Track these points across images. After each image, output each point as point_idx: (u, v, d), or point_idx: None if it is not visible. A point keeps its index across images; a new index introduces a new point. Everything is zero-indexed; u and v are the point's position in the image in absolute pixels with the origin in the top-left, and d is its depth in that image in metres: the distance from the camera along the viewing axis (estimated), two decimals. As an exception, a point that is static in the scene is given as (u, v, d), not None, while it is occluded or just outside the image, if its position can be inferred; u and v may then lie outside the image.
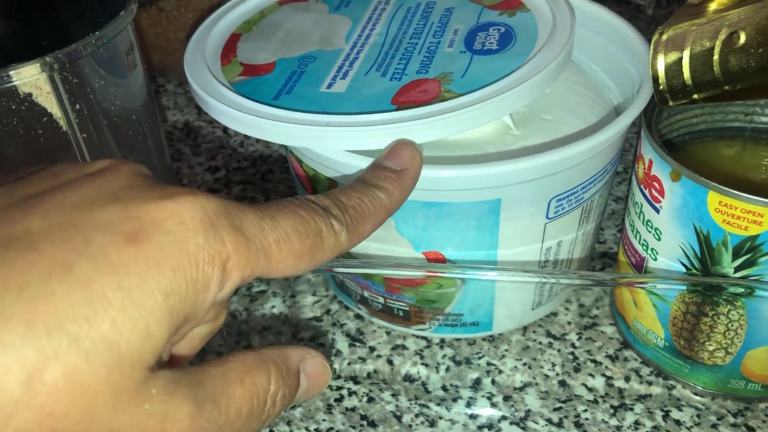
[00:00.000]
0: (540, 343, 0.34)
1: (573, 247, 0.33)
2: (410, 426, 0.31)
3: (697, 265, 0.28)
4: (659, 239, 0.29)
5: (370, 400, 0.32)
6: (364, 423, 0.31)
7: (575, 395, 0.32)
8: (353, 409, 0.32)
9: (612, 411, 0.31)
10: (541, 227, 0.30)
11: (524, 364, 0.33)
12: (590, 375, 0.33)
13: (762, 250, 0.26)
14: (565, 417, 0.31)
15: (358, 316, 0.36)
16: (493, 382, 0.33)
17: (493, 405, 0.32)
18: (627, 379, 0.32)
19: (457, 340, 0.35)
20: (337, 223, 0.22)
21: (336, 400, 0.32)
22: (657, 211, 0.29)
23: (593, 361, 0.33)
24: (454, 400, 0.32)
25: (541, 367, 0.33)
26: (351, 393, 0.33)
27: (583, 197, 0.30)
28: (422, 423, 0.31)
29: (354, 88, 0.31)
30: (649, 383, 0.32)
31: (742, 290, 0.27)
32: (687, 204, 0.27)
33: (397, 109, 0.29)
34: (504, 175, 0.27)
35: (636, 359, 0.33)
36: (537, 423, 0.31)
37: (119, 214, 0.18)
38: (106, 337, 0.16)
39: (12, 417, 0.16)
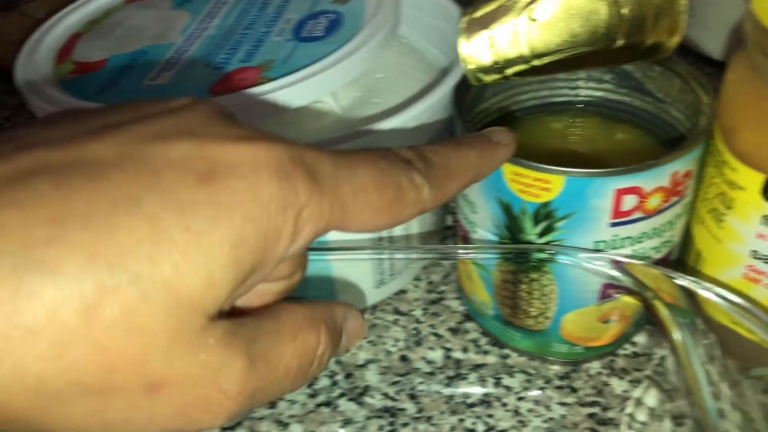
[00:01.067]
0: (386, 320, 0.35)
1: (409, 224, 0.34)
2: (252, 409, 0.32)
3: (507, 234, 0.29)
4: (475, 212, 0.30)
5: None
6: (207, 408, 0.32)
7: (414, 368, 0.33)
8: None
9: (447, 381, 0.32)
10: (364, 206, 0.31)
11: (369, 341, 0.34)
12: (431, 348, 0.34)
13: (556, 216, 0.28)
14: (401, 390, 0.32)
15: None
16: (337, 361, 0.34)
17: (334, 383, 0.33)
18: (465, 350, 0.33)
19: (307, 322, 0.35)
20: (419, 177, 0.21)
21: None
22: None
23: (435, 334, 0.34)
24: (297, 380, 0.33)
25: (385, 343, 0.34)
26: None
27: (405, 175, 0.31)
28: (263, 405, 0.32)
29: (176, 79, 0.31)
30: (486, 353, 0.33)
31: (545, 255, 0.28)
32: (489, 176, 0.28)
33: (211, 98, 0.29)
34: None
35: (476, 330, 0.34)
36: (373, 397, 0.32)
37: (194, 151, 0.17)
38: (167, 279, 0.16)
39: (67, 349, 0.15)
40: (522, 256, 0.29)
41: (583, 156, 0.33)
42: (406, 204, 0.20)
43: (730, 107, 0.26)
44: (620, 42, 0.29)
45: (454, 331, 0.34)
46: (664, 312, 0.25)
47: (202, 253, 0.16)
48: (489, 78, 0.31)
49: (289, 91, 0.29)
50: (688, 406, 0.23)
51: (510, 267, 0.30)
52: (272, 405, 0.32)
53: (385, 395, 0.32)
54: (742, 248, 0.27)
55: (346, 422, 0.31)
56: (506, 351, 0.33)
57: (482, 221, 0.30)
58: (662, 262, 0.30)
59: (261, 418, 0.31)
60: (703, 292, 0.26)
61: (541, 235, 0.28)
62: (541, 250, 0.29)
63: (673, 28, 0.29)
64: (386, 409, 0.31)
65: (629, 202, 0.27)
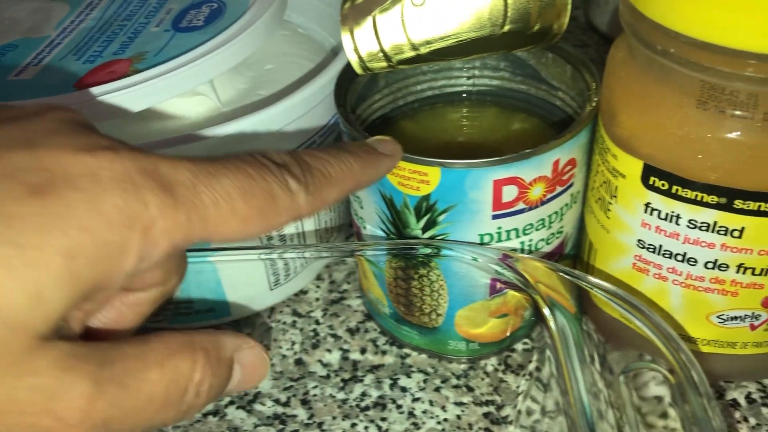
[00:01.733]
0: (284, 323, 0.34)
1: (301, 221, 0.32)
2: None
3: (392, 230, 0.28)
4: (362, 207, 0.29)
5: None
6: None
7: (309, 372, 0.32)
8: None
9: (342, 385, 0.31)
10: (246, 204, 0.30)
11: (264, 345, 0.33)
12: (328, 350, 0.32)
13: (437, 209, 0.26)
14: (294, 395, 0.31)
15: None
16: (229, 367, 0.32)
17: (224, 390, 0.31)
18: (363, 351, 0.32)
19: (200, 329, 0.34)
20: (294, 182, 0.20)
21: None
22: (354, 179, 0.29)
23: (334, 335, 0.33)
24: (185, 389, 0.31)
25: (280, 347, 0.33)
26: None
27: (289, 171, 0.30)
28: None
29: (42, 75, 0.29)
30: (384, 353, 0.32)
31: (431, 251, 0.27)
32: (369, 169, 0.27)
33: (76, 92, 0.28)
34: (182, 151, 0.27)
35: (376, 330, 0.33)
36: (264, 404, 0.30)
37: (29, 162, 0.16)
38: None
39: None
40: (408, 251, 0.28)
41: (481, 146, 0.32)
42: (278, 210, 0.20)
43: (609, 92, 0.25)
44: (506, 27, 0.28)
45: (353, 331, 0.33)
46: (544, 308, 0.24)
47: (30, 267, 0.15)
48: (376, 66, 0.29)
49: (155, 83, 0.27)
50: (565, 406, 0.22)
51: (400, 263, 0.29)
52: (157, 416, 0.30)
53: (277, 401, 0.30)
54: (628, 238, 0.26)
55: (233, 431, 0.29)
56: (406, 350, 0.32)
57: (370, 217, 0.29)
58: (555, 255, 0.29)
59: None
60: (586, 286, 0.25)
61: (425, 229, 0.27)
62: (426, 245, 0.27)
63: (559, 13, 0.28)
64: (276, 416, 0.30)
65: (510, 192, 0.26)
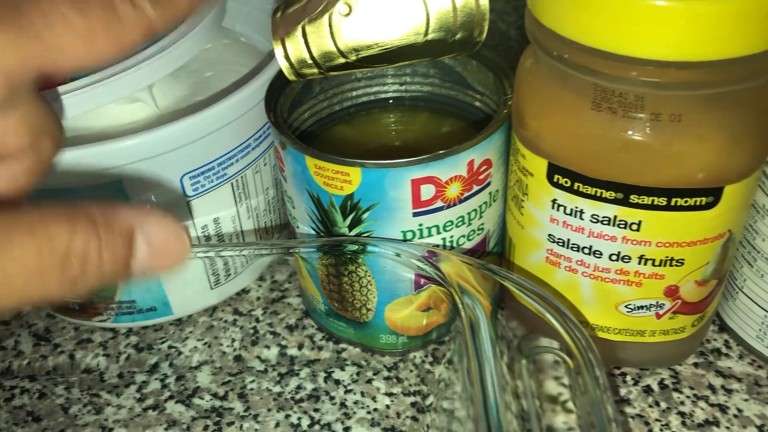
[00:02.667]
0: (225, 321, 0.35)
1: (239, 222, 0.33)
2: (75, 416, 0.31)
3: (322, 228, 0.30)
4: (294, 207, 0.30)
5: (42, 396, 0.32)
6: (29, 419, 0.31)
7: (247, 367, 0.33)
8: (21, 407, 0.32)
9: (278, 378, 0.32)
10: (184, 205, 0.31)
11: (205, 343, 0.34)
12: (266, 347, 0.34)
13: (361, 208, 0.28)
14: (231, 389, 0.32)
15: (50, 315, 0.36)
16: (170, 364, 0.33)
17: (164, 386, 0.32)
18: (300, 346, 0.33)
19: (144, 328, 0.35)
20: None
21: (6, 399, 0.32)
22: (285, 179, 0.30)
23: (273, 333, 0.34)
24: (127, 386, 0.32)
25: (221, 344, 0.34)
26: (23, 391, 0.32)
27: (226, 173, 0.31)
28: (89, 411, 0.31)
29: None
30: (320, 348, 0.33)
31: (357, 247, 0.29)
32: (297, 170, 0.28)
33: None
34: (111, 153, 0.28)
35: (313, 326, 0.34)
36: (203, 398, 0.31)
37: None
38: None
39: None
40: (337, 248, 0.29)
41: (414, 149, 0.34)
42: (123, 22, 0.18)
43: (518, 96, 0.27)
44: (429, 36, 0.30)
45: (291, 328, 0.34)
46: (458, 302, 0.26)
47: None
48: (307, 73, 0.31)
49: (92, 90, 0.28)
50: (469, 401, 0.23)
51: (330, 260, 0.30)
52: (98, 411, 0.31)
53: (215, 395, 0.32)
54: (540, 233, 0.28)
55: (171, 424, 0.30)
56: (342, 345, 0.33)
57: (301, 216, 0.30)
58: (477, 251, 0.31)
59: (85, 425, 0.31)
60: (498, 278, 0.26)
61: (351, 227, 0.29)
62: (353, 242, 0.29)
63: (478, 24, 0.30)
64: (213, 409, 0.31)
65: (428, 191, 0.27)
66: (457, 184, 0.28)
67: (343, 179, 0.27)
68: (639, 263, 0.27)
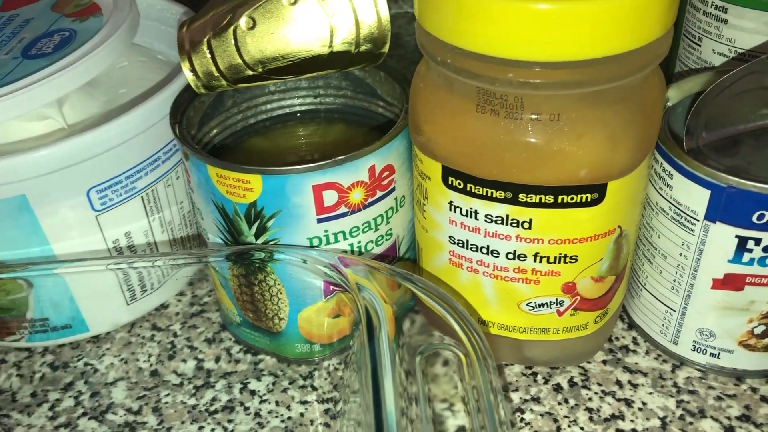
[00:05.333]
0: (143, 337, 0.35)
1: (152, 236, 0.33)
2: (-16, 437, 0.31)
3: (230, 238, 0.30)
4: (203, 218, 0.31)
5: (-50, 417, 0.31)
6: (-64, 442, 0.31)
7: (163, 381, 0.33)
8: (-72, 430, 0.31)
9: (194, 391, 0.32)
10: (92, 219, 0.31)
11: (121, 359, 0.34)
12: (183, 360, 0.34)
13: (265, 215, 0.28)
14: (146, 404, 0.32)
15: (-36, 336, 0.35)
16: (86, 382, 0.33)
17: (78, 403, 0.32)
18: (218, 359, 0.33)
19: (61, 346, 0.34)
20: None
21: None
22: (192, 191, 0.30)
23: (190, 347, 0.34)
24: (39, 404, 0.32)
25: (138, 360, 0.34)
26: (-68, 414, 0.32)
27: (135, 187, 0.31)
28: (-2, 432, 0.31)
29: None
30: (237, 361, 0.33)
31: (264, 255, 0.29)
32: (201, 180, 0.29)
33: None
34: (12, 168, 0.28)
35: (231, 339, 0.34)
36: (116, 414, 0.31)
37: None
38: None
39: None
40: (244, 257, 0.29)
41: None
42: None
43: (412, 103, 0.28)
44: (334, 48, 0.31)
45: (209, 341, 0.34)
46: (359, 309, 0.26)
47: None
48: (215, 86, 0.31)
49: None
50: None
51: (240, 270, 0.30)
52: (7, 431, 0.31)
53: (129, 410, 0.31)
54: (442, 235, 0.29)
55: (82, 441, 0.30)
56: (260, 356, 0.33)
57: (209, 226, 0.30)
58: (388, 256, 0.31)
59: (-6, 447, 0.30)
60: (399, 280, 0.27)
61: (257, 235, 0.29)
62: (260, 250, 0.29)
63: (381, 35, 0.30)
64: (127, 424, 0.31)
65: (330, 197, 0.28)
66: (360, 189, 0.28)
67: (245, 187, 0.28)
68: (535, 261, 0.27)
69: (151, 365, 0.33)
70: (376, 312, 0.26)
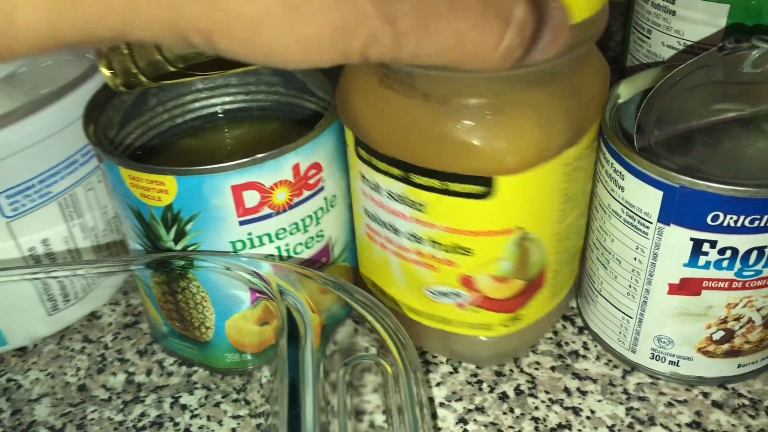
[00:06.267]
0: (72, 349, 0.33)
1: (73, 242, 0.32)
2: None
3: (149, 243, 0.28)
4: (122, 224, 0.29)
5: None
6: None
7: (90, 397, 0.31)
8: None
9: (122, 407, 0.30)
10: (3, 226, 0.29)
11: (48, 374, 0.32)
12: (113, 374, 0.32)
13: (183, 219, 0.26)
14: (70, 421, 0.30)
15: None
16: (8, 399, 0.31)
17: (-3, 422, 0.30)
18: (149, 372, 0.32)
19: (-17, 360, 0.33)
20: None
21: None
22: (110, 195, 0.29)
23: (121, 359, 0.32)
24: (-45, 424, 0.30)
25: (65, 374, 0.32)
26: None
27: (51, 191, 0.30)
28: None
29: None
30: (170, 373, 0.32)
31: (184, 262, 0.27)
32: (115, 184, 0.27)
33: None
34: None
35: (163, 351, 0.33)
36: (36, 433, 0.29)
37: None
38: None
39: None
40: (165, 265, 0.28)
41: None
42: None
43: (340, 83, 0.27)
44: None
45: (141, 353, 0.33)
46: (280, 319, 0.24)
47: None
48: (135, 83, 0.29)
49: None
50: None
51: (162, 278, 0.29)
52: None
53: (51, 428, 0.29)
54: (359, 206, 0.28)
55: (-2, 463, 0.28)
56: (194, 368, 0.32)
57: (128, 232, 0.29)
58: (319, 260, 0.30)
59: None
60: (322, 283, 0.25)
61: (176, 240, 0.27)
62: (180, 258, 0.27)
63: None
64: (46, 444, 0.29)
65: (252, 198, 0.26)
66: (284, 189, 0.27)
67: (159, 189, 0.26)
68: (431, 246, 0.26)
69: (79, 379, 0.32)
70: (303, 320, 0.24)
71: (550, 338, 0.31)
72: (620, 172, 0.26)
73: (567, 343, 0.31)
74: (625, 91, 0.29)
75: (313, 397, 0.22)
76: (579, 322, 0.32)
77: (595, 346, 0.31)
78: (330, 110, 0.28)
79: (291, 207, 0.27)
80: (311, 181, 0.27)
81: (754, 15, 0.30)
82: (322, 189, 0.28)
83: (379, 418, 0.28)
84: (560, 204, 0.26)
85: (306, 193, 0.27)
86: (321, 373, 0.24)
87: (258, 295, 0.28)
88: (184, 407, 0.30)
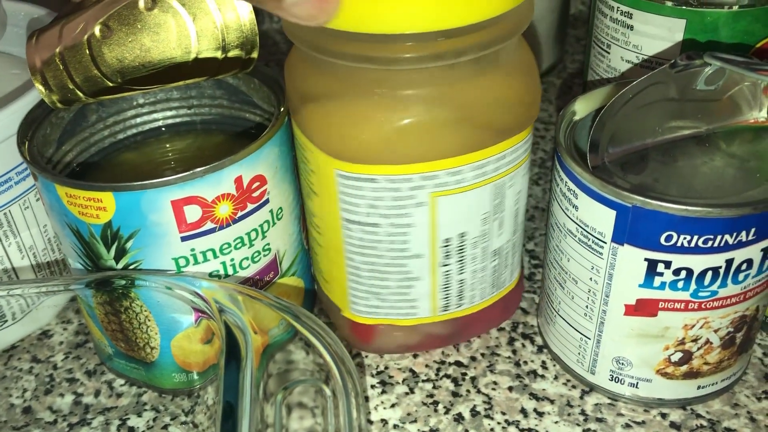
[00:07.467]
0: (20, 369, 0.32)
1: (9, 261, 0.30)
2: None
3: (89, 263, 0.27)
4: (62, 243, 0.28)
5: None
6: None
7: (35, 419, 0.30)
8: None
9: (67, 429, 0.29)
10: (-58, 245, 0.28)
11: (-7, 396, 0.31)
12: (60, 395, 0.31)
13: (122, 236, 0.26)
14: (11, 445, 0.29)
15: None
16: (-51, 421, 0.30)
17: (-64, 446, 0.29)
18: (97, 393, 0.31)
19: (-72, 381, 0.32)
20: None
21: None
22: (48, 214, 0.28)
23: (70, 379, 0.31)
24: None
25: (11, 395, 0.31)
26: None
27: (-7, 208, 0.29)
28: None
29: None
30: (119, 395, 0.31)
31: (125, 281, 0.26)
32: (52, 202, 0.26)
33: None
34: None
35: (110, 372, 0.32)
36: (-24, 457, 0.28)
37: None
38: None
39: None
40: (106, 285, 0.27)
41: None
42: None
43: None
44: (200, 54, 0.28)
45: (90, 374, 0.32)
46: (221, 339, 0.23)
47: None
48: (72, 99, 0.28)
49: None
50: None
51: (104, 298, 0.28)
52: None
53: (-9, 453, 0.29)
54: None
55: (-67, 490, 0.27)
56: (143, 389, 0.31)
57: (68, 251, 0.28)
58: (267, 273, 0.29)
59: None
60: (267, 304, 0.24)
61: (117, 258, 0.26)
62: (121, 277, 0.26)
63: (249, 40, 0.28)
64: (-15, 469, 0.28)
65: (194, 213, 0.25)
66: (227, 203, 0.26)
67: (97, 206, 0.25)
68: None
69: (24, 401, 0.31)
70: (245, 339, 0.24)
71: (509, 357, 0.31)
72: (574, 191, 0.25)
73: (526, 362, 0.30)
74: (581, 107, 0.28)
75: (250, 420, 0.21)
76: (539, 340, 0.31)
77: (554, 365, 0.30)
78: (273, 122, 0.27)
79: (235, 221, 0.26)
80: (255, 194, 0.26)
81: (709, 30, 0.29)
82: (267, 202, 0.27)
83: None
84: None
85: (250, 207, 0.27)
86: (260, 395, 0.23)
87: (199, 314, 0.27)
88: (131, 430, 0.29)
